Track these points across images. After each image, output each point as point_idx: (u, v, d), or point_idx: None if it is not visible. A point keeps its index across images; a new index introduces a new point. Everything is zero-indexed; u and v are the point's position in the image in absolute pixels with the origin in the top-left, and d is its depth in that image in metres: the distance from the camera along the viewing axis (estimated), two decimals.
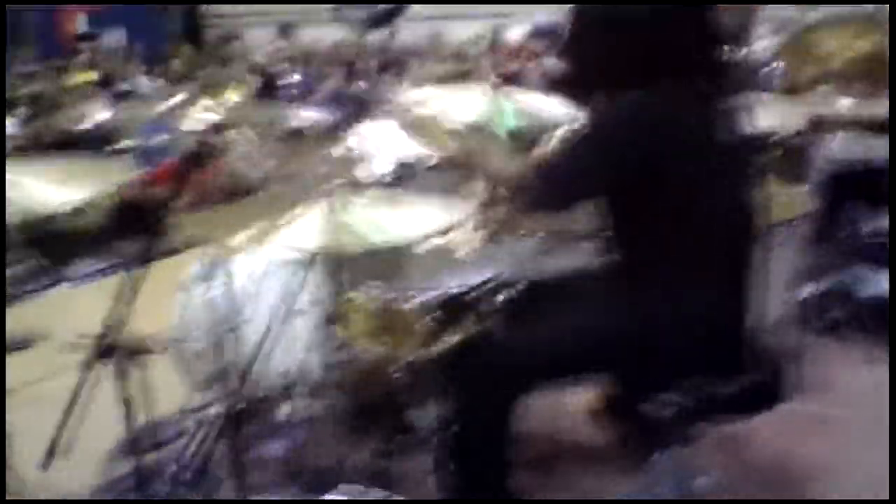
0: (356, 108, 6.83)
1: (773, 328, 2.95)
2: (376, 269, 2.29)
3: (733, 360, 1.97)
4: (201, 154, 1.95)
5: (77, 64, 11.31)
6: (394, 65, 12.94)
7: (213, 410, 2.34)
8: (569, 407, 2.69)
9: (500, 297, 2.27)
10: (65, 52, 12.61)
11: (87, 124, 7.00)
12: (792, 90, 3.82)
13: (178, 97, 2.80)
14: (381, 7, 5.68)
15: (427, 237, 1.78)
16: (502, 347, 2.06)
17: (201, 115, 2.31)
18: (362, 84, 11.17)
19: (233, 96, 9.42)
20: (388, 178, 2.59)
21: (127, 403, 2.50)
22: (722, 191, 1.89)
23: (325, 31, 16.61)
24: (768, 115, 3.43)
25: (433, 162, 2.67)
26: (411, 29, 16.56)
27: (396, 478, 2.29)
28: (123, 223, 5.30)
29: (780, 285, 2.79)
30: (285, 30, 16.74)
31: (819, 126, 3.24)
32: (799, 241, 3.16)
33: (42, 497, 2.12)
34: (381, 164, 2.63)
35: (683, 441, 2.17)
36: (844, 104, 3.34)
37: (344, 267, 2.26)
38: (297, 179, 2.21)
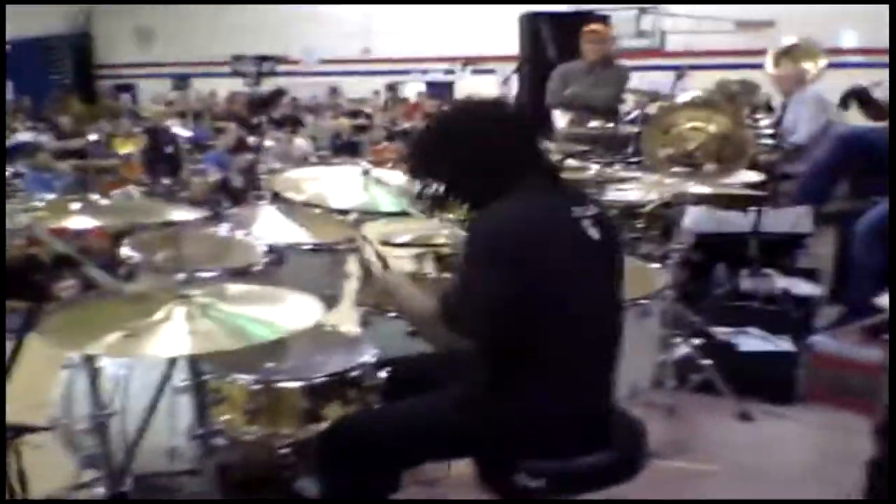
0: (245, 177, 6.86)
1: (647, 390, 3.16)
2: (257, 351, 2.32)
3: (597, 435, 2.08)
4: None
5: None
6: (290, 120, 12.99)
7: (99, 489, 2.32)
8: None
9: (382, 375, 2.35)
10: None
11: None
12: (651, 167, 4.08)
13: None
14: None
15: (292, 332, 1.80)
16: (373, 425, 2.14)
17: None
18: (253, 140, 11.19)
19: (125, 149, 9.19)
20: (262, 264, 2.62)
21: (21, 479, 2.49)
22: (582, 284, 1.99)
23: (221, 82, 16.60)
24: (634, 189, 3.70)
25: (309, 244, 2.74)
26: (310, 84, 16.70)
27: None
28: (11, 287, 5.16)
29: (651, 350, 2.99)
30: (180, 82, 16.60)
31: (678, 200, 3.48)
32: (666, 308, 3.38)
33: None
34: (257, 250, 2.67)
35: None
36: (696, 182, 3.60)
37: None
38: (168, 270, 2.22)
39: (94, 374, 2.14)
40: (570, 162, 4.62)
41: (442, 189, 2.08)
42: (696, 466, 2.97)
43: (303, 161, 10.14)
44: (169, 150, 9.42)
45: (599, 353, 2.09)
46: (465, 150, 2.04)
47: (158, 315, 1.76)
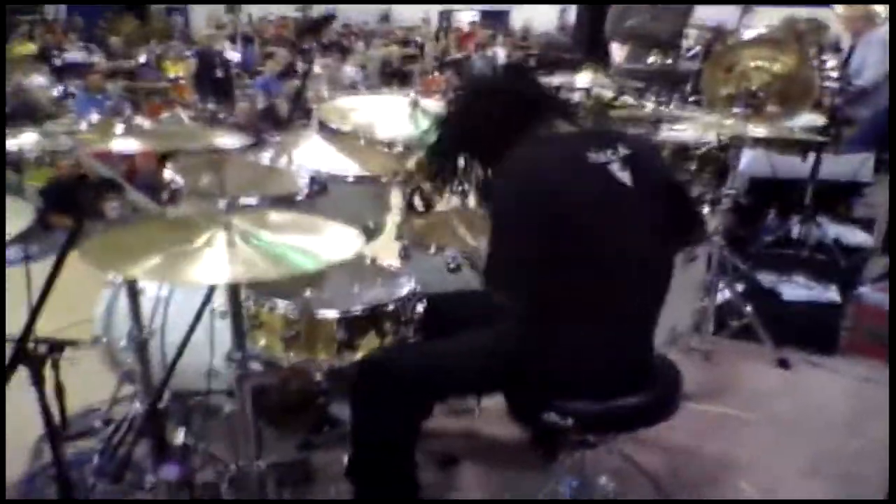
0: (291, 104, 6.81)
1: (687, 334, 3.13)
2: (296, 279, 2.34)
3: (631, 378, 2.07)
4: None
5: (17, 35, 11.02)
6: (339, 46, 12.90)
7: (136, 404, 2.39)
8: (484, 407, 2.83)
9: (419, 309, 2.36)
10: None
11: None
12: (709, 105, 3.96)
13: None
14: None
15: (332, 263, 1.80)
16: (408, 359, 2.15)
17: None
18: (302, 66, 11.13)
19: (175, 71, 9.24)
20: (304, 193, 2.61)
21: (59, 392, 2.58)
22: (613, 230, 1.95)
23: (274, 7, 16.46)
24: (689, 129, 3.60)
25: (352, 175, 2.72)
26: (361, 8, 16.50)
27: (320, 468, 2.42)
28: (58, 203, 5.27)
29: (693, 296, 2.95)
30: (233, 5, 16.49)
31: (734, 142, 3.37)
32: (712, 252, 3.33)
33: None
34: (299, 178, 2.66)
35: (586, 446, 2.30)
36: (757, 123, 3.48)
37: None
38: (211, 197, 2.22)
39: (135, 294, 2.17)
40: (625, 98, 4.52)
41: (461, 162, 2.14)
42: (731, 412, 2.95)
43: (351, 89, 10.09)
44: (218, 74, 9.45)
45: (639, 297, 2.05)
46: (470, 119, 2.11)
47: (200, 241, 1.76)
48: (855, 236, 4.21)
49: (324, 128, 3.10)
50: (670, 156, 4.24)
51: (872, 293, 3.46)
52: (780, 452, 2.73)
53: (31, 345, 1.84)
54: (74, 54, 9.73)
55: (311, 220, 2.05)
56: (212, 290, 2.13)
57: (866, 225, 4.38)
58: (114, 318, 2.62)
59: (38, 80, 7.99)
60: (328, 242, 1.89)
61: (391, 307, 2.30)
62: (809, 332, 3.46)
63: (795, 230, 4.36)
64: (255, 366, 2.10)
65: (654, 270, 2.08)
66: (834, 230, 4.33)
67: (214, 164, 2.72)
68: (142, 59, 9.98)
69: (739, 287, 3.70)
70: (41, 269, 1.72)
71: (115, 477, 2.20)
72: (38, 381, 1.91)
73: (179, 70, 9.90)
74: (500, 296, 2.05)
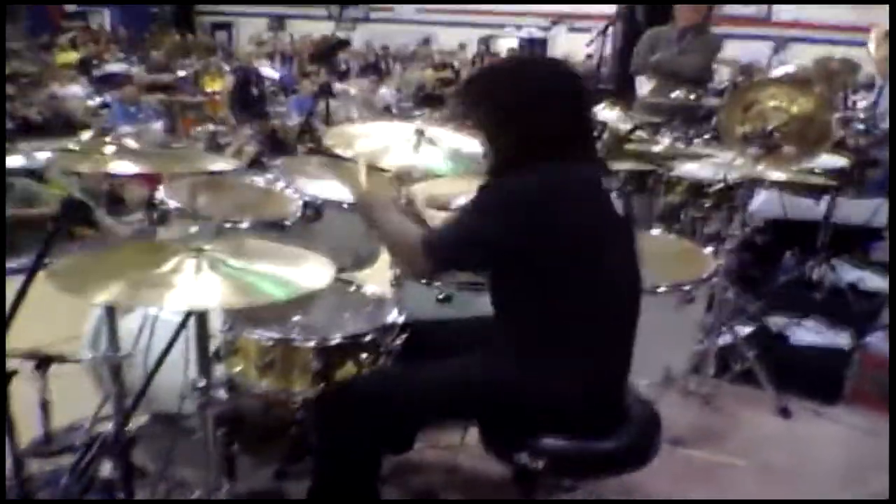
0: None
1: (682, 378, 3.07)
2: (276, 306, 2.34)
3: (608, 419, 2.03)
4: None
5: (61, 43, 11.30)
6: (374, 68, 13.01)
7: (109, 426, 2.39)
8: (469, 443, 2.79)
9: (397, 341, 2.34)
10: (54, 28, 12.52)
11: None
12: (725, 143, 3.90)
13: None
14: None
15: (301, 292, 1.78)
16: (373, 386, 2.14)
17: None
18: (339, 85, 11.23)
19: (212, 87, 9.38)
20: (296, 218, 2.62)
21: (44, 406, 2.62)
22: (600, 264, 1.94)
23: (317, 26, 16.68)
24: (704, 167, 3.55)
25: (347, 202, 2.72)
26: (402, 31, 16.65)
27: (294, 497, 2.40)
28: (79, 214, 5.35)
29: (690, 337, 2.89)
30: (276, 23, 16.74)
31: (746, 182, 3.32)
32: (717, 293, 3.26)
33: None
34: (293, 203, 2.67)
35: (563, 489, 2.26)
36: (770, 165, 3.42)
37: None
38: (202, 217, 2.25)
39: (112, 316, 2.18)
40: (640, 133, 4.49)
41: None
42: (719, 458, 2.88)
43: (384, 111, 10.16)
44: (254, 91, 9.59)
45: (619, 331, 2.04)
46: (510, 111, 1.96)
47: (167, 267, 1.77)
48: (872, 281, 4.11)
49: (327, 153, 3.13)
50: (685, 192, 4.20)
51: (878, 341, 3.36)
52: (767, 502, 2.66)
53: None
54: (115, 65, 9.93)
55: (287, 249, 2.06)
56: (189, 313, 2.14)
57: (885, 270, 4.27)
58: (102, 337, 2.64)
59: (73, 90, 8.20)
60: (302, 271, 1.89)
61: (369, 337, 2.29)
62: (814, 380, 3.36)
63: (813, 273, 4.28)
64: (221, 393, 2.10)
65: (632, 304, 2.06)
66: (852, 274, 4.24)
67: (210, 185, 2.76)
68: (181, 73, 10.17)
69: (745, 330, 3.62)
70: None
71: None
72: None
73: (217, 86, 10.07)
74: (421, 259, 1.96)
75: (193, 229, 1.89)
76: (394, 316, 2.40)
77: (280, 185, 2.80)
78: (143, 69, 10.30)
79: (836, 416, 3.24)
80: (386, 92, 11.35)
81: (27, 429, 2.33)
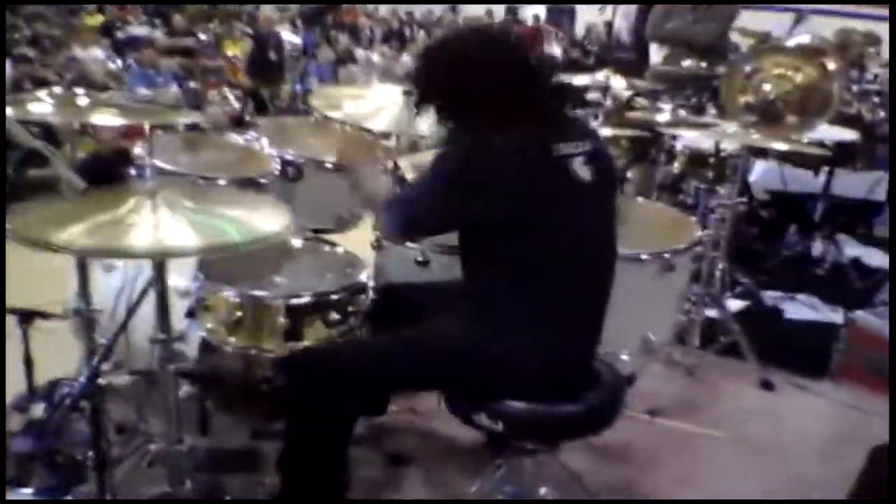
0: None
1: (663, 348, 3.05)
2: (249, 264, 2.36)
3: (572, 383, 2.02)
4: None
5: (85, 8, 11.34)
6: (397, 35, 12.94)
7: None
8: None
9: (365, 300, 2.35)
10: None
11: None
12: (723, 114, 3.85)
13: None
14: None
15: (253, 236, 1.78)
16: (345, 351, 2.15)
17: None
18: (362, 52, 11.19)
19: (233, 51, 9.34)
20: (274, 176, 2.62)
21: (27, 362, 2.66)
22: (556, 229, 1.92)
23: None
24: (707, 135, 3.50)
25: (330, 162, 2.72)
26: None
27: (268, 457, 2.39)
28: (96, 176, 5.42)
29: (672, 307, 2.87)
30: None
31: (744, 151, 3.27)
32: (705, 264, 3.23)
33: None
34: (273, 161, 2.67)
35: (526, 452, 2.26)
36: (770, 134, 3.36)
37: (211, 262, 2.35)
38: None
39: (84, 271, 2.20)
40: (639, 100, 4.43)
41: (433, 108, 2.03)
42: (698, 430, 2.86)
43: (405, 78, 10.09)
44: (272, 56, 9.56)
45: (585, 296, 2.02)
46: (460, 79, 1.96)
47: (124, 210, 1.76)
48: (874, 257, 4.05)
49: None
50: (686, 162, 4.15)
51: (872, 317, 3.29)
52: (741, 473, 2.64)
53: None
54: (137, 29, 9.96)
55: (249, 198, 2.06)
56: (160, 267, 2.14)
57: (886, 246, 4.21)
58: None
59: (95, 53, 8.22)
60: (260, 218, 1.88)
61: (339, 296, 2.29)
62: (802, 354, 3.33)
63: (817, 248, 4.23)
64: (191, 349, 2.12)
65: (602, 270, 2.05)
66: (854, 250, 4.18)
67: (191, 142, 2.77)
68: (202, 37, 10.16)
69: (737, 304, 3.60)
70: None
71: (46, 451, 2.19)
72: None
73: (237, 50, 10.05)
74: (387, 222, 2.03)
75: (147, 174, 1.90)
76: (365, 276, 2.41)
77: (260, 144, 2.80)
78: (166, 33, 10.32)
79: (821, 390, 3.20)
80: (408, 59, 11.27)
81: (11, 384, 2.38)
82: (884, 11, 6.20)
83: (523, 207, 1.86)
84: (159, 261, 1.91)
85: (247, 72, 9.14)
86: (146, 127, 2.58)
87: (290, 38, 11.11)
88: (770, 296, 3.75)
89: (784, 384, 3.21)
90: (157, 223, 1.70)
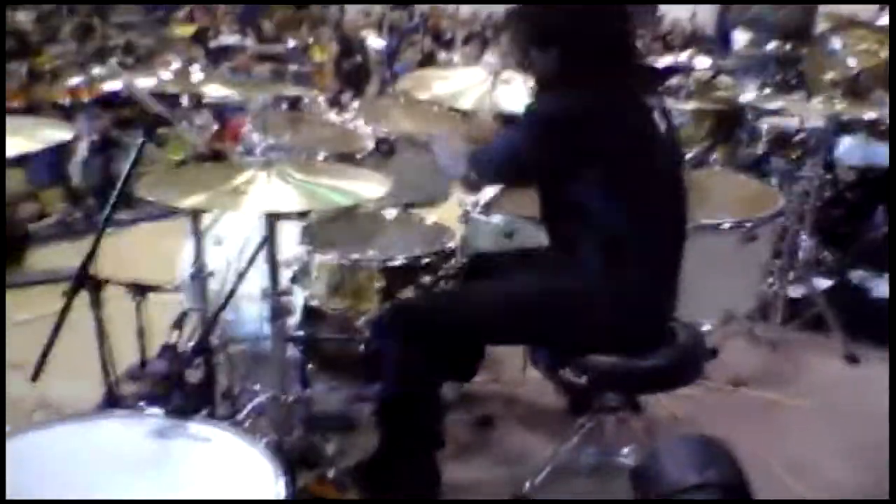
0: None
1: (745, 317, 3.09)
2: (347, 234, 2.53)
3: (654, 337, 2.11)
4: None
5: (177, 17, 11.83)
6: (479, 37, 13.06)
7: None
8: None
9: (454, 264, 2.48)
10: (170, 3, 13.02)
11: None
12: (809, 91, 3.84)
13: None
14: None
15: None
16: (438, 302, 2.30)
17: None
18: (443, 55, 11.35)
19: (321, 56, 9.68)
20: (367, 152, 2.78)
21: (140, 334, 2.88)
22: (644, 180, 2.02)
23: None
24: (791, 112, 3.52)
25: (421, 140, 2.87)
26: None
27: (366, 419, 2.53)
28: None
29: (751, 277, 2.91)
30: None
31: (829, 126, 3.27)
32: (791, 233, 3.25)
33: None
34: (368, 138, 2.84)
35: (608, 410, 2.35)
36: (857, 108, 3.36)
37: (314, 230, 2.52)
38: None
39: (198, 236, 2.39)
40: (722, 79, 4.45)
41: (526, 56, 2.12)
42: (783, 399, 2.89)
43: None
44: (358, 59, 9.84)
45: (665, 251, 2.11)
46: (549, 30, 2.06)
47: (242, 178, 1.94)
48: None
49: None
50: (770, 142, 4.15)
51: None
52: (820, 437, 2.66)
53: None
54: (228, 37, 10.33)
55: (352, 170, 2.22)
56: (265, 239, 2.30)
57: None
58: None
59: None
60: (361, 185, 2.04)
61: (429, 259, 2.43)
62: (888, 330, 3.29)
63: None
64: (288, 300, 2.26)
65: (679, 223, 2.14)
66: None
67: (295, 120, 2.98)
68: (290, 43, 10.51)
69: (823, 283, 3.58)
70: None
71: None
72: (95, 304, 2.18)
73: (324, 55, 10.37)
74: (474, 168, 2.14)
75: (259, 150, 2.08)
76: (453, 243, 2.54)
77: (356, 123, 2.97)
78: (256, 40, 10.70)
79: None
80: (490, 59, 11.38)
81: (126, 354, 2.57)
82: None
83: (617, 158, 1.96)
84: (272, 222, 2.07)
85: (334, 76, 9.43)
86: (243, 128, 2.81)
87: (373, 42, 11.40)
88: (856, 275, 3.72)
89: (869, 357, 3.20)
90: (268, 190, 1.88)
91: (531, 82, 2.21)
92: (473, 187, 2.41)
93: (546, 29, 2.06)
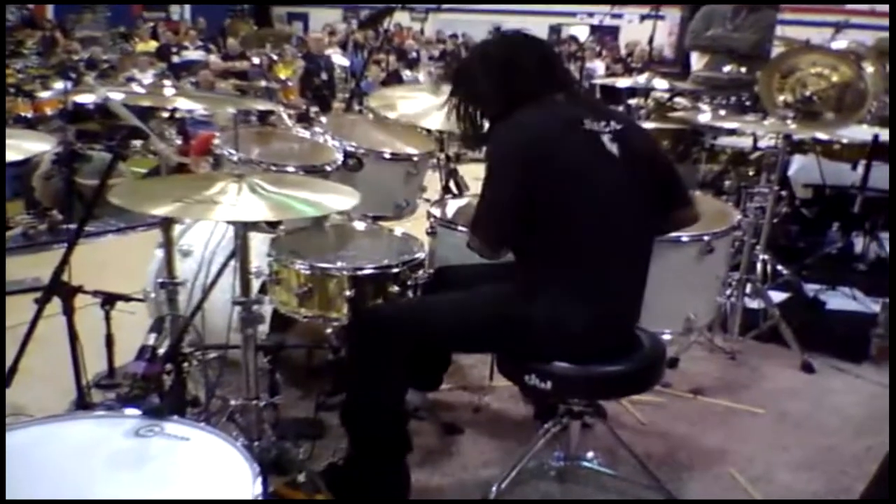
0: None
1: (704, 326, 3.17)
2: (317, 244, 2.57)
3: (615, 345, 2.18)
4: None
5: (140, 33, 11.81)
6: (444, 56, 13.19)
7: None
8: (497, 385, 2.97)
9: (422, 275, 2.53)
10: (133, 20, 13.03)
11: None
12: (763, 112, 3.97)
13: None
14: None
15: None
16: (402, 310, 2.34)
17: None
18: (408, 73, 11.45)
19: (285, 74, 9.74)
20: (337, 165, 2.83)
21: (108, 342, 2.89)
22: (594, 196, 2.09)
23: (397, 17, 16.90)
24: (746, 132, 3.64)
25: (388, 152, 2.93)
26: (473, 21, 16.79)
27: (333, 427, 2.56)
28: None
29: (710, 290, 3.00)
30: (349, 13, 16.99)
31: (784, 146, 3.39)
32: (744, 251, 3.36)
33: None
34: (335, 153, 2.88)
35: (573, 416, 2.40)
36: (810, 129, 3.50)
37: (284, 241, 2.56)
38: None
39: (169, 246, 2.42)
40: (680, 101, 4.58)
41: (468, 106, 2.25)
42: (739, 406, 2.98)
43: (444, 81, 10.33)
44: (323, 77, 9.89)
45: (625, 263, 2.17)
46: (487, 70, 2.20)
47: (214, 189, 1.97)
48: None
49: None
50: (726, 161, 4.29)
51: None
52: (779, 446, 2.74)
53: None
54: (192, 53, 10.36)
55: (317, 182, 2.26)
56: (234, 250, 2.33)
57: None
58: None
59: (151, 75, 8.63)
60: (329, 197, 2.08)
61: (397, 270, 2.47)
62: (843, 341, 3.43)
63: (859, 245, 4.31)
64: (259, 308, 2.29)
65: (635, 240, 2.20)
66: None
67: (264, 135, 3.01)
68: (255, 60, 10.52)
69: (779, 296, 3.70)
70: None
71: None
72: (68, 311, 2.19)
73: (289, 73, 10.39)
74: (476, 242, 2.16)
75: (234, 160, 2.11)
76: (422, 254, 2.59)
77: (325, 137, 3.01)
78: (220, 57, 10.71)
79: (861, 372, 3.29)
80: (429, 69, 11.54)
81: (93, 363, 2.58)
82: None
83: (565, 172, 2.04)
84: (242, 233, 2.10)
85: (300, 93, 9.46)
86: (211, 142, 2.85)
87: (339, 60, 11.46)
88: (811, 288, 3.85)
89: (824, 367, 3.31)
90: (240, 201, 1.92)
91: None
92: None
93: (481, 92, 2.21)
